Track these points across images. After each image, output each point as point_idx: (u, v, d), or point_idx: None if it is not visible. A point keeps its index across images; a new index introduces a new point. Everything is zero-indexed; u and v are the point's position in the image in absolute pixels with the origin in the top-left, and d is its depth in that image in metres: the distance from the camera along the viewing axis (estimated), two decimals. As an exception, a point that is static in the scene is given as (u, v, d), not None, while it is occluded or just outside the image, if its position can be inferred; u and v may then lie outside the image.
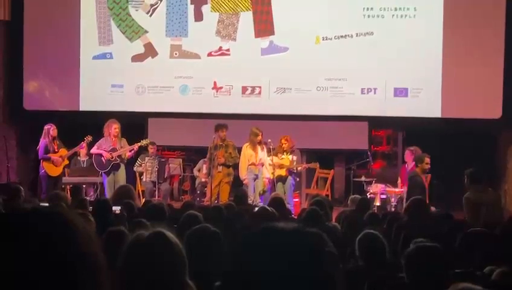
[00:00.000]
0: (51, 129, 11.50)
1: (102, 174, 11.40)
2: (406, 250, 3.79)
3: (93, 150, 11.47)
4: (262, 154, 11.37)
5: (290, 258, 1.34)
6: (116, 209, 6.71)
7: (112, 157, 11.28)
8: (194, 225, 4.47)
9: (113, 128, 11.36)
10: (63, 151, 11.59)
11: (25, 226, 1.27)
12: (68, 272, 1.25)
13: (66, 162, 11.68)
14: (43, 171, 11.52)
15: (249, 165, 11.33)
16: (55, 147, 11.54)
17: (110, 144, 11.39)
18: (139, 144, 11.59)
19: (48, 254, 1.25)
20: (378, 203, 11.26)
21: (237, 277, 1.36)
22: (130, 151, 11.49)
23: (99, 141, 11.47)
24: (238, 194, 9.33)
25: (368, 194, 11.28)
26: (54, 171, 11.49)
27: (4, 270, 1.22)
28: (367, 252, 4.53)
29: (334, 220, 7.71)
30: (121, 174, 11.38)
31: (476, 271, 4.22)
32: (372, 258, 4.49)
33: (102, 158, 11.32)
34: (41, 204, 6.77)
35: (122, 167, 11.44)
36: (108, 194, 10.72)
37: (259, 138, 11.31)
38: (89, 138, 11.63)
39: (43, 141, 11.51)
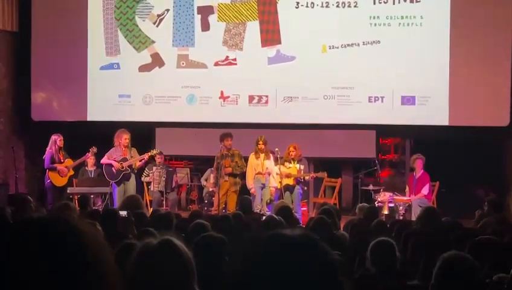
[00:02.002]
0: (57, 140, 11.51)
1: (113, 184, 11.40)
2: (441, 256, 3.69)
3: (104, 160, 11.48)
4: (269, 163, 11.35)
5: (299, 265, 1.34)
6: (123, 213, 6.69)
7: (123, 168, 11.29)
8: (201, 234, 4.47)
9: (124, 138, 11.38)
10: (69, 162, 11.59)
11: (34, 235, 1.27)
12: (79, 280, 1.25)
13: (72, 172, 11.67)
14: (48, 181, 11.53)
15: (256, 174, 11.32)
16: (61, 157, 11.54)
17: (121, 154, 11.40)
18: (149, 153, 11.60)
19: (58, 263, 1.24)
20: (386, 212, 11.23)
21: (245, 284, 1.36)
22: (141, 161, 11.50)
23: (110, 151, 11.49)
24: (242, 203, 9.31)
25: (375, 202, 11.25)
26: (60, 181, 11.48)
27: (14, 280, 1.22)
28: (380, 259, 4.47)
29: (342, 228, 7.69)
30: (131, 184, 11.40)
31: (485, 279, 4.19)
32: (384, 266, 4.45)
33: (113, 168, 11.33)
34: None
35: (133, 177, 11.46)
36: (118, 204, 10.70)
37: (259, 146, 11.29)
38: (94, 149, 11.64)
39: (49, 151, 11.52)
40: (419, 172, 11.40)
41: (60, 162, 11.52)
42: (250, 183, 11.38)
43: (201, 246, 4.04)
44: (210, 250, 4.12)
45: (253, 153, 11.42)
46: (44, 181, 11.77)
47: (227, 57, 12.85)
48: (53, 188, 11.48)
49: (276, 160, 11.29)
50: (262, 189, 11.33)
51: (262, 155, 11.32)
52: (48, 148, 11.56)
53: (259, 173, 11.31)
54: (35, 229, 1.28)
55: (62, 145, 11.60)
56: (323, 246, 1.40)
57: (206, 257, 3.88)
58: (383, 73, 12.35)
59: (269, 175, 11.32)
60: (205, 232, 4.70)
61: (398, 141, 13.98)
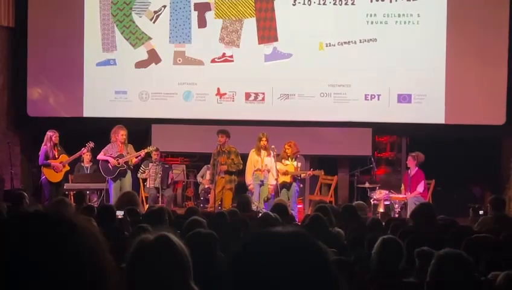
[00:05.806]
0: (53, 136, 11.46)
1: (109, 180, 11.39)
2: (436, 254, 3.68)
3: (100, 156, 11.45)
4: (269, 160, 11.31)
5: (291, 263, 1.33)
6: (120, 213, 6.70)
7: (119, 164, 11.28)
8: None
9: (120, 134, 11.36)
10: (64, 158, 11.52)
11: (30, 229, 1.26)
12: (76, 274, 1.25)
13: (67, 168, 11.60)
14: (43, 177, 11.48)
15: (255, 171, 11.31)
16: (56, 154, 11.47)
17: (117, 150, 11.38)
18: (146, 150, 11.58)
19: (55, 257, 1.24)
20: (381, 210, 11.25)
21: (237, 284, 1.35)
22: (137, 157, 11.49)
23: (106, 147, 11.46)
24: (241, 201, 9.26)
25: (371, 200, 11.27)
26: (55, 177, 11.43)
27: (10, 274, 1.22)
28: (386, 257, 4.38)
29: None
30: (127, 181, 11.38)
31: (480, 277, 4.20)
32: (388, 265, 4.36)
33: (109, 164, 11.31)
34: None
35: (129, 173, 11.44)
36: (114, 200, 10.68)
37: (262, 142, 11.26)
38: (91, 144, 11.62)
39: (43, 147, 11.46)
40: (413, 170, 11.43)
41: (55, 158, 11.46)
42: (249, 179, 11.35)
43: (190, 243, 4.03)
44: (200, 247, 4.11)
45: (254, 149, 11.38)
46: (40, 177, 11.73)
47: (224, 54, 12.84)
48: (49, 184, 11.45)
49: (273, 157, 11.27)
50: (260, 186, 11.31)
51: (263, 152, 11.30)
52: (43, 145, 11.51)
53: (258, 170, 11.28)
54: (30, 224, 1.28)
55: (57, 142, 11.55)
56: (315, 243, 1.38)
57: (196, 254, 3.87)
58: (379, 71, 12.35)
59: (268, 172, 11.29)
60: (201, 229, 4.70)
61: (394, 139, 13.99)
